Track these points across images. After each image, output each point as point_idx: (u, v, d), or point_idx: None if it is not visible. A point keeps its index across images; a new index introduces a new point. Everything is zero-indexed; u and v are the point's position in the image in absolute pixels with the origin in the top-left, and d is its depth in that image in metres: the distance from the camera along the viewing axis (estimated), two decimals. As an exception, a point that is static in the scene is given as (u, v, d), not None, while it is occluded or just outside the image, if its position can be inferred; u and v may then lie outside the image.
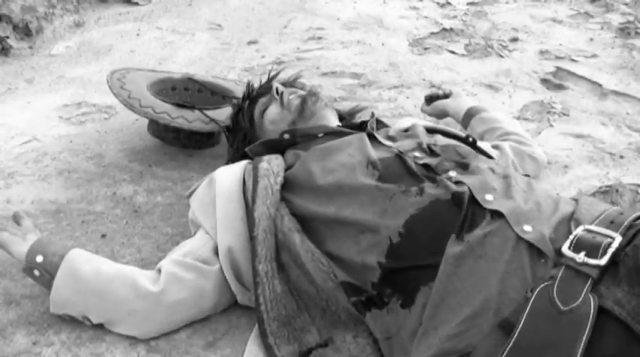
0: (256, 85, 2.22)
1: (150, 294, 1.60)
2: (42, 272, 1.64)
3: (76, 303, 1.62)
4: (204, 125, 2.32)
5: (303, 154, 1.76)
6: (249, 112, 2.12)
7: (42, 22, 3.72)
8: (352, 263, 1.51)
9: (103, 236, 2.00)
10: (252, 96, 2.15)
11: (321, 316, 1.55)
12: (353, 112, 2.29)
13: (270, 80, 2.20)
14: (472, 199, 1.46)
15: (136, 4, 4.15)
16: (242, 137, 2.11)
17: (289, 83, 2.19)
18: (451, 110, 2.43)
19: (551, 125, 2.65)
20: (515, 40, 3.48)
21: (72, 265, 1.63)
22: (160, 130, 2.45)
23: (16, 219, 1.82)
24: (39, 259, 1.64)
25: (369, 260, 1.48)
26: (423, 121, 2.21)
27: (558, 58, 3.25)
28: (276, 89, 2.07)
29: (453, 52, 3.35)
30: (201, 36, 3.62)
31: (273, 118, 2.04)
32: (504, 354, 1.21)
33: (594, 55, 3.28)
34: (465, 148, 1.73)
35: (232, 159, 2.10)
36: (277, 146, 1.90)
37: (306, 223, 1.62)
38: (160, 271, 1.66)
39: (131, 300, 1.60)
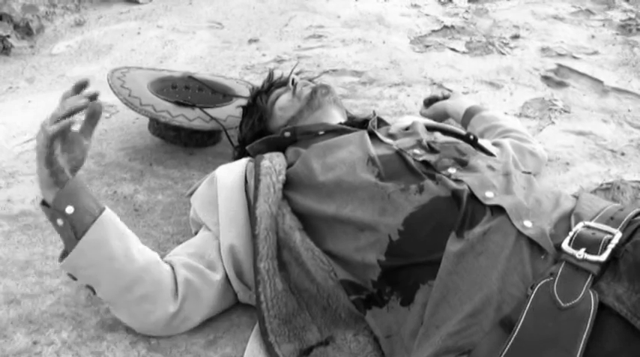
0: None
1: (170, 312, 1.58)
2: (66, 225, 1.49)
3: (91, 274, 1.53)
4: (204, 123, 2.32)
5: (303, 152, 1.76)
6: (266, 97, 2.13)
7: (43, 21, 3.73)
8: (352, 261, 1.51)
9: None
10: (272, 83, 2.17)
11: (321, 314, 1.55)
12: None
13: (290, 74, 2.20)
14: (472, 196, 1.46)
15: (137, 2, 4.15)
16: (259, 117, 2.11)
17: (310, 79, 2.20)
18: (450, 110, 2.42)
19: (553, 122, 2.65)
20: (516, 37, 3.48)
21: (103, 234, 1.51)
22: (160, 128, 2.45)
23: (77, 92, 1.55)
24: (69, 210, 1.48)
25: (368, 258, 1.48)
26: (424, 119, 2.21)
27: (559, 55, 3.25)
28: (292, 80, 2.09)
29: (454, 50, 3.35)
30: (202, 34, 3.62)
31: (282, 104, 2.06)
32: (505, 351, 1.21)
33: (595, 52, 3.27)
34: (464, 145, 1.73)
35: (244, 140, 2.12)
36: (278, 144, 1.91)
37: (307, 221, 1.62)
38: (173, 268, 1.64)
39: (152, 302, 1.57)
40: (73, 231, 1.49)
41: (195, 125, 2.30)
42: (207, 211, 1.73)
